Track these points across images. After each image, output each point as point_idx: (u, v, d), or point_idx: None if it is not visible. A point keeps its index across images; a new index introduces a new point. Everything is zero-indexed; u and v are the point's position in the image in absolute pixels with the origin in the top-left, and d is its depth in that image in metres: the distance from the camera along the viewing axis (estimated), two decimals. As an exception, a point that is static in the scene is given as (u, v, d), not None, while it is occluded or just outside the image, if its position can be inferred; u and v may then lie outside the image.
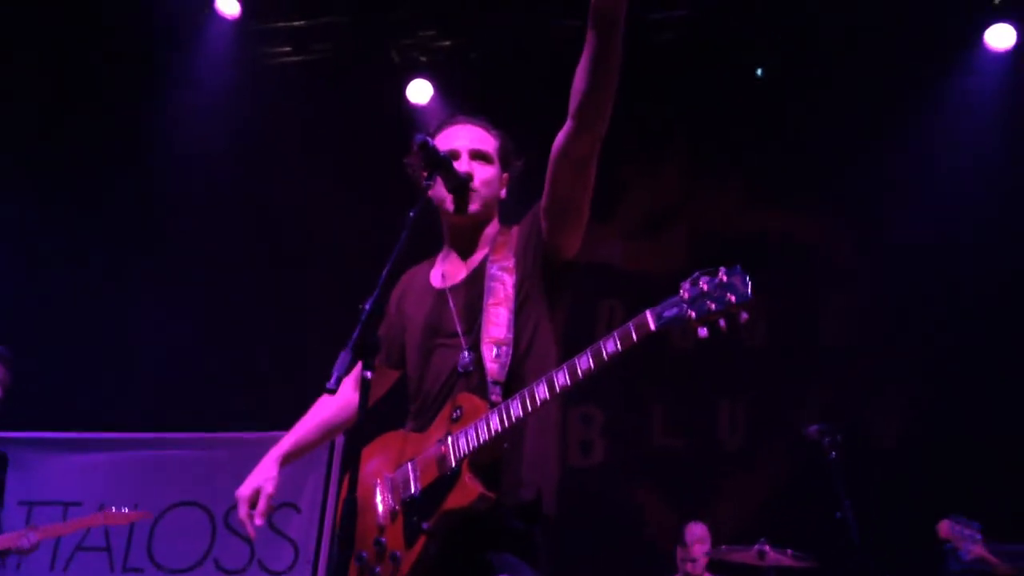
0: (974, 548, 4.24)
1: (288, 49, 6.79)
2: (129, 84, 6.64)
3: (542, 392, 2.08)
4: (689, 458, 6.52)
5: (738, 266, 1.96)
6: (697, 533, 5.42)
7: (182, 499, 5.84)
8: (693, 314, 1.96)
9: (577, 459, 6.67)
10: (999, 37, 6.08)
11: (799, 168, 6.56)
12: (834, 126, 6.37)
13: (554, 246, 2.37)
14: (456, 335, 2.33)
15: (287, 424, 6.25)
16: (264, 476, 2.53)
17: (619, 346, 2.02)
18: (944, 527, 4.29)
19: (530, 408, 2.08)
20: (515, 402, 2.10)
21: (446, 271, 2.50)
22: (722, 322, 1.95)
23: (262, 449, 6.36)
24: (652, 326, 2.01)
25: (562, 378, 2.06)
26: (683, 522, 5.54)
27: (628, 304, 6.93)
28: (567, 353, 2.26)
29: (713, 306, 1.94)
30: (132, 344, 6.47)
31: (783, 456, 6.27)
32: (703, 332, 1.96)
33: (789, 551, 4.91)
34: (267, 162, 6.75)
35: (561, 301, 2.42)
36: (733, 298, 1.93)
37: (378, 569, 2.14)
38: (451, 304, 2.38)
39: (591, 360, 2.04)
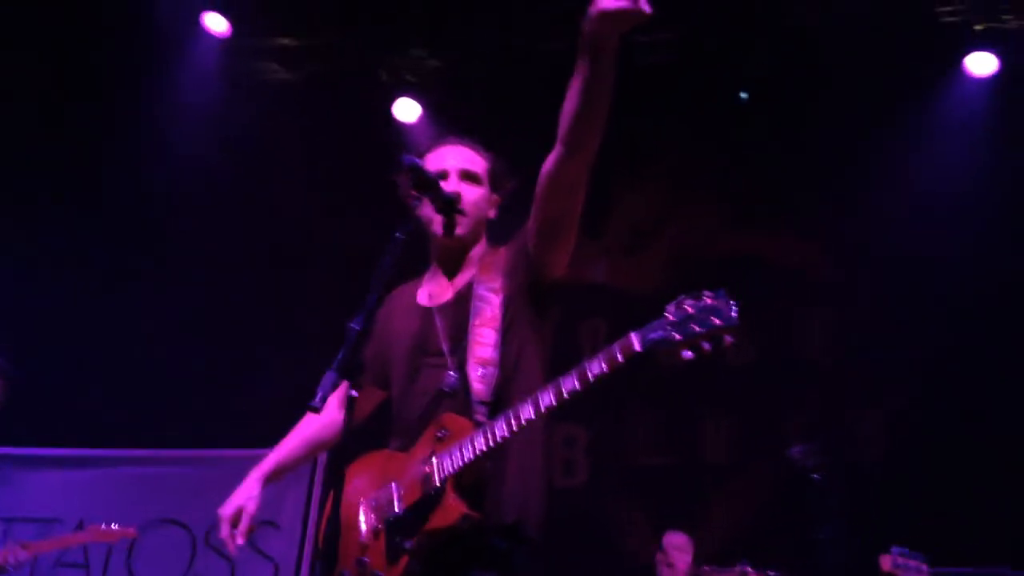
0: None
1: (276, 67, 6.81)
2: (111, 98, 6.64)
3: (527, 412, 2.08)
4: (672, 476, 6.54)
5: (723, 290, 2.01)
6: (676, 541, 5.42)
7: (162, 516, 5.79)
8: (678, 336, 1.98)
9: (560, 480, 6.67)
10: (980, 65, 6.18)
11: (781, 189, 6.63)
12: (815, 148, 6.45)
13: (541, 265, 2.38)
14: (442, 354, 2.33)
15: (270, 442, 6.21)
16: (246, 495, 2.52)
17: (605, 367, 2.04)
18: (886, 561, 4.06)
19: (515, 428, 2.08)
20: (500, 422, 2.10)
21: (432, 291, 2.51)
22: (706, 345, 1.97)
23: (244, 467, 6.32)
24: (637, 347, 2.03)
25: (547, 398, 2.08)
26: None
27: (611, 323, 6.95)
28: (553, 374, 2.27)
29: (698, 329, 1.97)
30: (113, 361, 6.43)
31: (767, 475, 6.29)
32: (688, 354, 1.99)
33: (771, 573, 4.91)
34: (255, 178, 6.75)
35: (548, 321, 2.43)
36: (718, 321, 1.97)
37: None
38: (437, 323, 2.39)
39: (576, 381, 2.07)
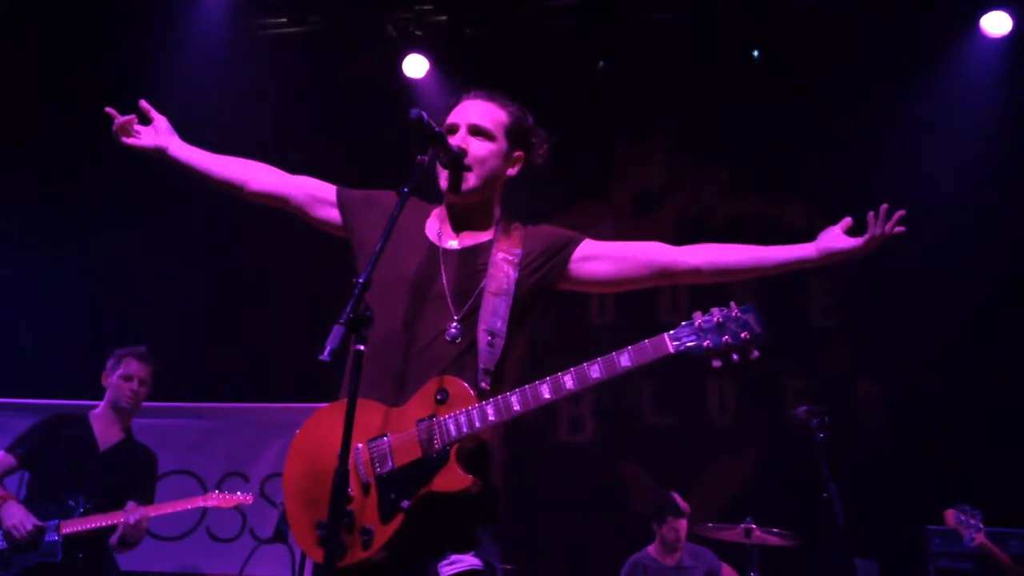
0: (977, 536, 4.47)
1: (284, 20, 6.75)
2: (123, 54, 6.60)
3: (546, 393, 2.13)
4: (678, 436, 6.59)
5: (751, 304, 2.14)
6: (687, 506, 5.48)
7: (175, 467, 5.86)
8: (710, 345, 2.12)
9: (567, 435, 6.73)
10: (995, 24, 6.08)
11: (787, 153, 6.59)
12: (823, 111, 6.39)
13: (561, 281, 2.43)
14: (440, 299, 2.29)
15: (281, 396, 6.28)
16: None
17: (633, 362, 2.14)
18: (950, 515, 4.56)
19: (532, 406, 2.13)
20: (514, 397, 2.13)
21: (443, 230, 2.44)
22: (735, 356, 2.12)
23: (254, 419, 6.41)
24: (671, 350, 2.15)
25: (569, 382, 2.13)
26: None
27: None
28: (543, 350, 2.33)
29: (730, 341, 2.12)
30: (128, 314, 6.48)
31: (770, 436, 6.34)
32: (717, 363, 2.13)
33: (775, 530, 4.98)
34: (262, 133, 6.72)
35: (533, 316, 2.45)
36: (747, 335, 2.11)
37: (344, 540, 2.11)
38: (442, 267, 2.35)
39: (602, 370, 2.13)
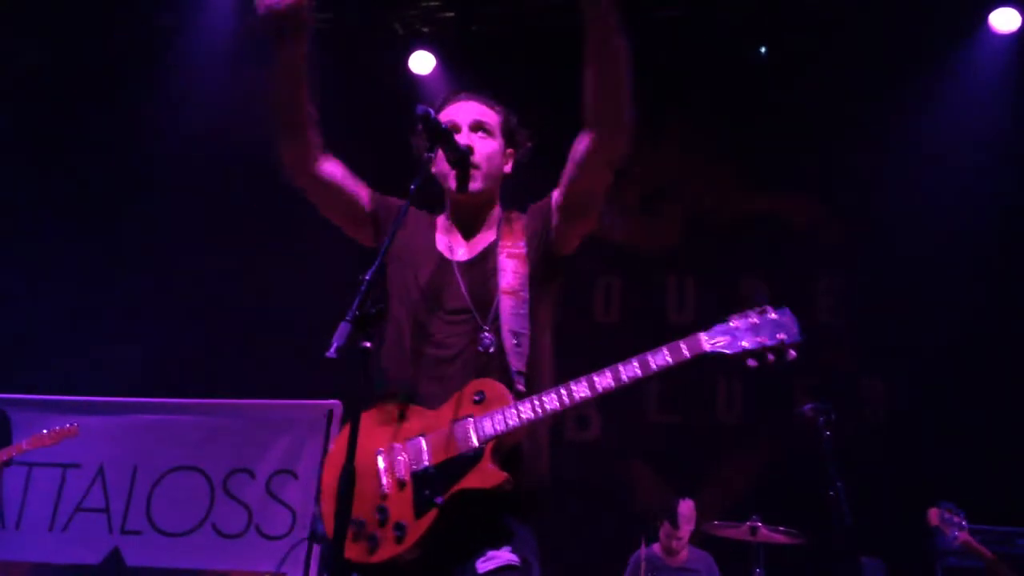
0: (960, 535, 4.43)
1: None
2: (130, 54, 6.62)
3: (582, 391, 2.14)
4: (684, 434, 6.58)
5: (787, 308, 2.15)
6: (687, 512, 5.48)
7: (181, 463, 5.88)
8: (747, 345, 2.12)
9: (574, 433, 6.73)
10: (1004, 21, 6.05)
11: (795, 149, 6.57)
12: (830, 109, 6.38)
13: (559, 242, 2.40)
14: (467, 312, 2.31)
15: (286, 393, 6.27)
16: None
17: (669, 360, 2.13)
18: (933, 515, 4.52)
19: (568, 404, 2.14)
20: (551, 396, 2.14)
21: (451, 242, 2.46)
22: (771, 356, 2.12)
23: (260, 416, 6.39)
24: (707, 348, 2.14)
25: (604, 381, 2.13)
26: (675, 496, 5.59)
27: (626, 280, 6.96)
28: (558, 348, 2.36)
29: (767, 341, 2.12)
30: (134, 312, 6.50)
31: (778, 434, 6.33)
32: (753, 363, 2.13)
33: (781, 528, 4.97)
34: (260, 131, 6.73)
35: (554, 295, 2.45)
36: (784, 336, 2.13)
37: (377, 534, 2.15)
38: (459, 279, 2.36)
39: (637, 369, 2.13)
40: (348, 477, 1.95)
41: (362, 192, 2.51)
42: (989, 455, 5.61)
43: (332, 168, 2.49)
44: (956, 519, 4.46)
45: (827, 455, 4.27)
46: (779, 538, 5.01)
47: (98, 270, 6.65)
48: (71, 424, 4.14)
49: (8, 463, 4.10)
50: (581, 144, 2.29)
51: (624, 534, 5.96)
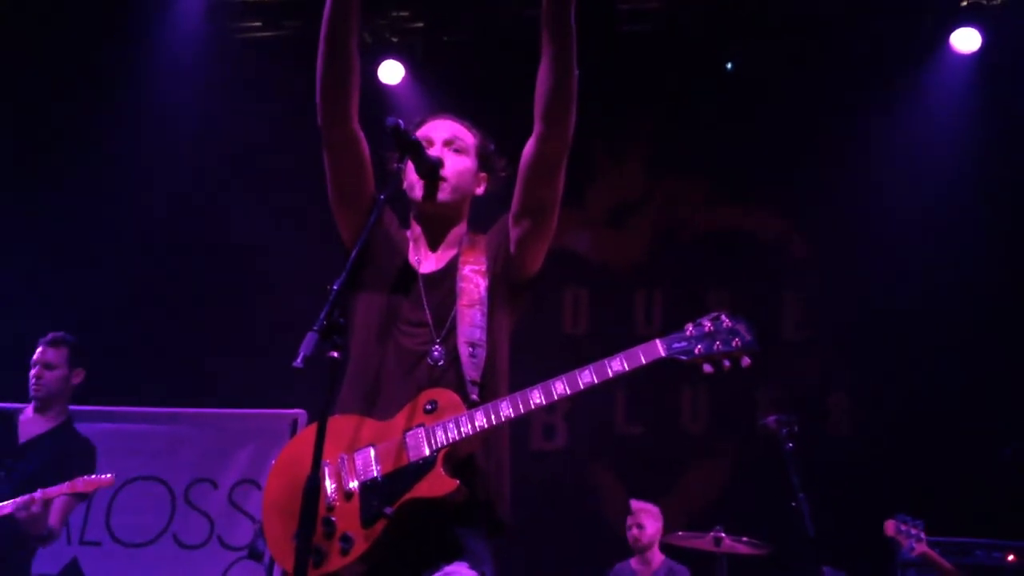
0: (917, 546, 4.45)
1: (259, 24, 6.72)
2: (98, 58, 6.55)
3: (536, 398, 2.15)
4: (649, 444, 6.62)
5: (742, 317, 2.20)
6: (641, 504, 5.50)
7: (141, 473, 5.79)
8: (702, 351, 2.15)
9: (540, 442, 6.73)
10: (965, 40, 6.19)
11: (761, 165, 6.67)
12: (797, 124, 6.48)
13: (520, 260, 2.41)
14: (424, 325, 2.32)
15: (250, 403, 6.19)
16: None
17: (625, 366, 2.15)
18: (890, 526, 4.55)
19: (522, 411, 2.14)
20: (504, 403, 2.15)
21: (421, 255, 2.46)
22: (726, 362, 2.16)
23: (223, 425, 6.30)
24: (662, 353, 2.17)
25: (560, 387, 2.15)
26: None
27: (594, 292, 6.99)
28: (516, 359, 2.38)
29: (719, 347, 2.16)
30: (94, 319, 6.39)
31: (742, 445, 6.39)
32: (708, 369, 2.16)
33: (744, 538, 5.00)
34: (237, 136, 6.69)
35: (518, 313, 2.46)
36: (738, 342, 2.17)
37: (323, 547, 2.10)
38: (422, 292, 2.36)
39: (593, 375, 2.15)
40: (312, 489, 1.92)
41: (371, 180, 2.48)
42: (950, 467, 5.71)
43: (362, 138, 2.45)
44: (914, 531, 4.48)
45: (790, 466, 4.32)
46: (743, 548, 5.04)
47: (55, 270, 6.54)
48: (109, 475, 4.15)
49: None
50: (528, 148, 2.34)
51: (590, 543, 5.98)
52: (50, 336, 4.44)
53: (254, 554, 4.44)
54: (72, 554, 5.62)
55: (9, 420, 4.33)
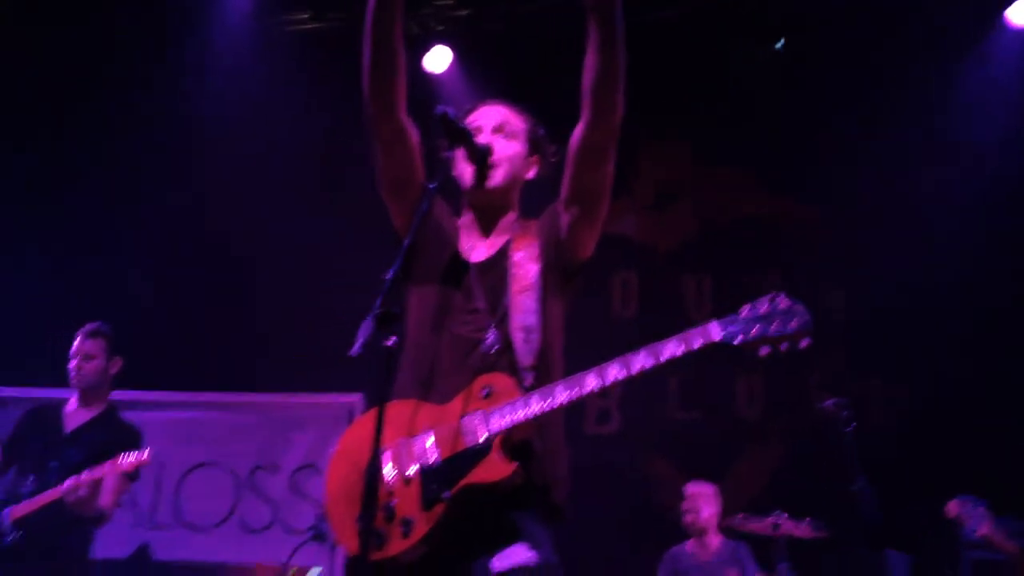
0: (981, 527, 4.36)
1: (307, 16, 6.80)
2: (145, 53, 6.68)
3: (590, 382, 2.14)
4: (704, 430, 6.58)
5: (800, 299, 2.15)
6: (701, 490, 5.47)
7: (207, 459, 5.96)
8: (758, 333, 2.12)
9: (593, 427, 6.74)
10: (1020, 15, 6.00)
11: (807, 147, 6.55)
12: (846, 107, 6.35)
13: (571, 245, 2.41)
14: (477, 312, 2.34)
15: (310, 387, 6.28)
16: None
17: (680, 350, 2.13)
18: (952, 507, 4.46)
19: (577, 395, 2.14)
20: (559, 387, 2.15)
21: (471, 243, 2.48)
22: (784, 345, 2.12)
23: (285, 412, 6.42)
24: (716, 337, 2.14)
25: (614, 371, 2.14)
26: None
27: (642, 276, 6.96)
28: (566, 344, 2.38)
29: (776, 328, 2.12)
30: (159, 306, 6.57)
31: (797, 429, 6.32)
32: (765, 351, 2.13)
33: (805, 521, 4.95)
34: (285, 128, 6.78)
35: (569, 298, 2.46)
36: (796, 324, 2.12)
37: (383, 531, 2.14)
38: (473, 280, 2.38)
39: (648, 359, 2.13)
40: (373, 474, 1.95)
41: (421, 169, 2.50)
42: (1015, 447, 5.58)
43: (412, 126, 2.47)
44: (977, 511, 4.39)
45: (850, 449, 4.26)
46: (803, 532, 4.99)
47: (122, 265, 6.71)
48: (146, 452, 4.27)
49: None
50: (575, 134, 2.34)
51: (645, 528, 5.97)
52: (88, 327, 4.55)
53: (319, 536, 4.54)
54: (142, 538, 5.82)
55: (55, 412, 4.48)
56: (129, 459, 4.14)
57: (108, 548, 5.66)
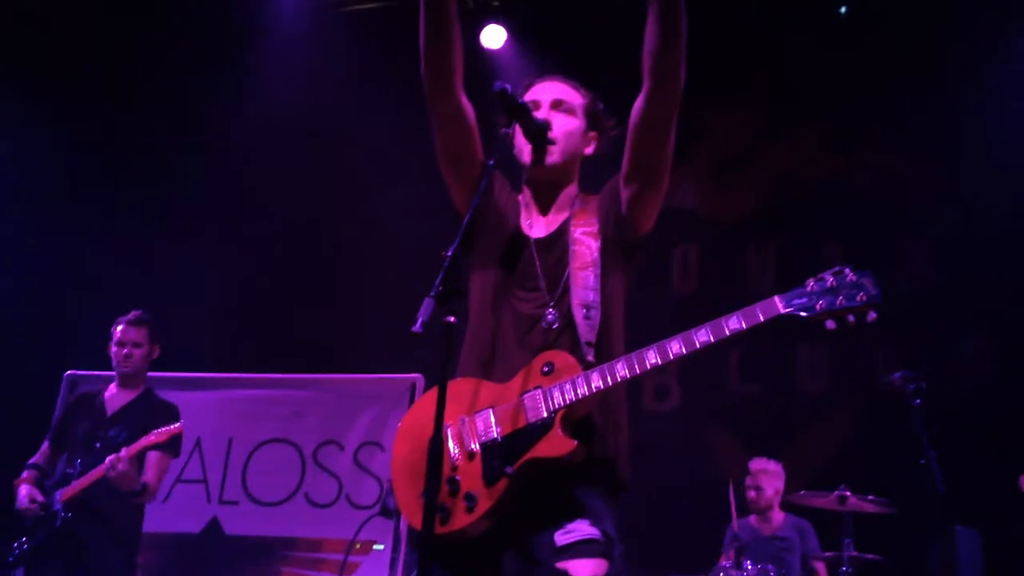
0: None
1: (363, -3, 6.84)
2: (203, 35, 6.79)
3: (651, 358, 2.13)
4: (766, 404, 6.50)
5: (868, 271, 2.10)
6: (765, 466, 5.43)
7: (274, 436, 6.11)
8: (824, 306, 2.08)
9: (652, 404, 6.71)
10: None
11: (873, 111, 6.36)
12: (915, 66, 6.14)
13: (632, 221, 2.39)
14: (538, 290, 2.34)
15: (373, 368, 6.38)
16: None
17: (743, 324, 2.10)
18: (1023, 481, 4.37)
19: (637, 371, 2.14)
20: (620, 363, 2.15)
21: (530, 220, 2.48)
22: (851, 318, 2.08)
23: (349, 390, 6.53)
24: (781, 310, 2.11)
25: (676, 347, 2.12)
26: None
27: (703, 249, 6.87)
28: (626, 320, 2.36)
29: (842, 302, 2.08)
30: (228, 292, 6.72)
31: (862, 402, 6.20)
32: (831, 325, 2.09)
33: (870, 497, 4.88)
34: (346, 111, 6.84)
35: (631, 274, 2.44)
36: (863, 296, 2.08)
37: (448, 505, 2.17)
38: (535, 257, 2.38)
39: (710, 334, 2.11)
40: (436, 450, 1.98)
41: (479, 147, 2.50)
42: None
43: (469, 105, 2.47)
44: None
45: (918, 423, 4.17)
46: (869, 507, 4.92)
47: (190, 248, 6.88)
48: (177, 424, 4.44)
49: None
50: (636, 107, 2.31)
51: (707, 503, 5.94)
52: (132, 315, 4.72)
53: (386, 511, 4.63)
54: (213, 513, 6.01)
55: (97, 398, 4.69)
56: (161, 432, 4.33)
57: (182, 523, 5.88)
